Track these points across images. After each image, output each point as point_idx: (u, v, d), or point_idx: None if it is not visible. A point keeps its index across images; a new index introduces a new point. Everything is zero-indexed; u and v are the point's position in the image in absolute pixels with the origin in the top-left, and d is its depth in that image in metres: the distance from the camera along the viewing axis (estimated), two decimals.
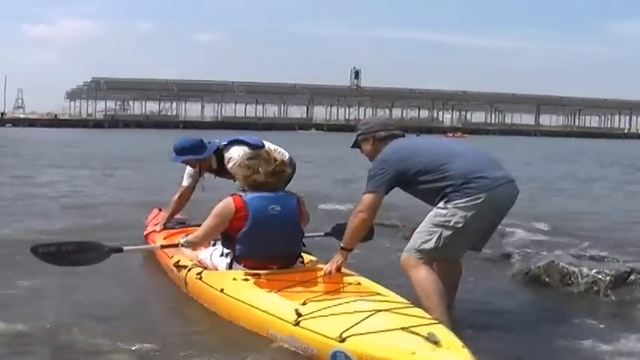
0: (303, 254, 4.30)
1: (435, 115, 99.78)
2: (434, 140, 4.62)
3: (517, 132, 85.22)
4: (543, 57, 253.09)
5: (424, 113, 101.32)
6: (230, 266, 4.09)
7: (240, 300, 3.68)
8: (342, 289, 3.81)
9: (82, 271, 4.61)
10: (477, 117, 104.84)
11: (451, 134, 57.55)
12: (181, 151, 5.41)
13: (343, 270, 3.99)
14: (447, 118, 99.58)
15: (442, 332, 2.94)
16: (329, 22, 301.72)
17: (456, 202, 3.68)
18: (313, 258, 4.36)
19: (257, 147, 5.12)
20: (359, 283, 3.84)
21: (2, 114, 79.10)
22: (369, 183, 3.86)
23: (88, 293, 4.53)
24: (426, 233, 3.75)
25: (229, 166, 5.26)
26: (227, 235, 4.10)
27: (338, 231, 4.65)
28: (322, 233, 5.02)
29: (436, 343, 2.80)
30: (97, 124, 73.88)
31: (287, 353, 3.27)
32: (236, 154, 5.20)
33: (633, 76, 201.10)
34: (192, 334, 3.73)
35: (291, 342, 3.26)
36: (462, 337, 2.99)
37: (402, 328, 2.96)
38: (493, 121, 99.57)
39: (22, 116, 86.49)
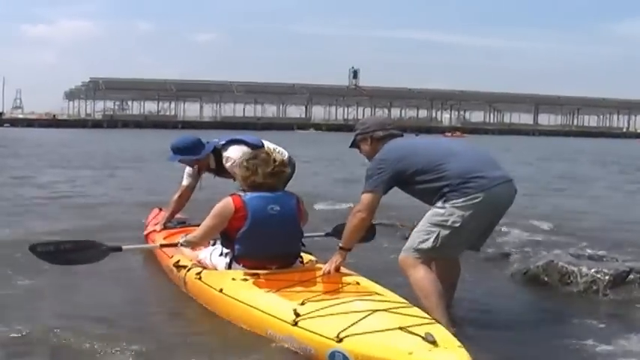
0: (302, 254, 4.30)
1: (434, 114, 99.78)
2: (432, 140, 4.62)
3: (516, 131, 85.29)
4: (542, 57, 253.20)
5: (423, 113, 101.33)
6: (229, 266, 4.10)
7: (239, 300, 3.68)
8: (341, 289, 3.82)
9: (81, 271, 4.62)
10: (476, 116, 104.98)
11: (450, 134, 57.54)
12: (178, 150, 5.40)
13: (342, 270, 3.99)
14: (446, 117, 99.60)
15: (439, 332, 2.94)
16: (327, 22, 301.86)
17: (454, 201, 3.69)
18: (312, 258, 4.36)
19: (256, 147, 5.12)
20: (358, 283, 3.84)
21: (1, 114, 79.08)
22: (367, 183, 3.87)
23: (87, 293, 4.54)
24: (423, 233, 3.76)
25: (227, 165, 5.26)
26: (226, 235, 4.10)
27: (339, 231, 4.64)
28: (323, 233, 5.02)
29: (433, 342, 2.81)
30: (96, 125, 73.92)
31: (286, 353, 3.27)
32: (234, 153, 5.19)
33: (632, 75, 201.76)
34: (192, 335, 3.73)
35: (290, 342, 3.27)
36: (460, 336, 3.00)
37: (400, 328, 2.97)
38: (492, 121, 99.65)
39: (20, 116, 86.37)
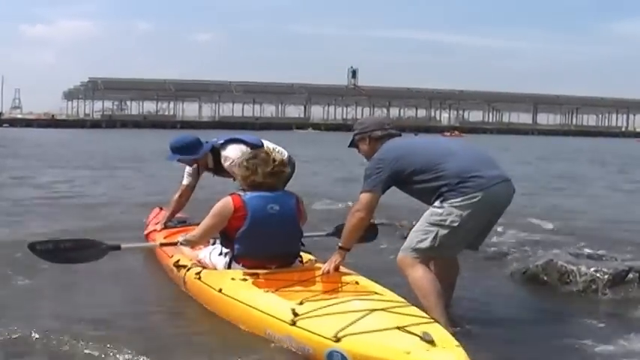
0: (302, 254, 4.30)
1: (433, 114, 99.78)
2: (430, 139, 4.62)
3: (514, 131, 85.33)
4: (541, 56, 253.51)
5: (421, 112, 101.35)
6: (229, 265, 4.10)
7: (238, 300, 3.68)
8: (339, 289, 3.82)
9: (80, 270, 4.62)
10: (475, 116, 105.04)
11: (448, 133, 57.56)
12: (177, 150, 5.40)
13: (341, 269, 4.00)
14: (445, 117, 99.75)
15: (437, 331, 2.95)
16: (326, 21, 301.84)
17: (452, 201, 3.69)
18: (312, 257, 4.36)
19: (256, 146, 5.12)
20: (357, 283, 3.85)
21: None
22: (366, 182, 3.87)
23: (86, 293, 4.54)
24: (422, 232, 3.76)
25: (226, 165, 5.26)
26: (226, 235, 4.10)
27: (340, 231, 4.63)
28: (324, 233, 5.01)
29: (431, 342, 2.81)
30: (95, 125, 73.81)
31: (285, 353, 3.27)
32: (232, 153, 5.20)
33: (630, 75, 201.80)
34: (191, 335, 3.74)
35: (288, 342, 3.26)
36: (458, 336, 3.00)
37: (397, 328, 2.97)
38: (490, 120, 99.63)
39: (19, 116, 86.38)
